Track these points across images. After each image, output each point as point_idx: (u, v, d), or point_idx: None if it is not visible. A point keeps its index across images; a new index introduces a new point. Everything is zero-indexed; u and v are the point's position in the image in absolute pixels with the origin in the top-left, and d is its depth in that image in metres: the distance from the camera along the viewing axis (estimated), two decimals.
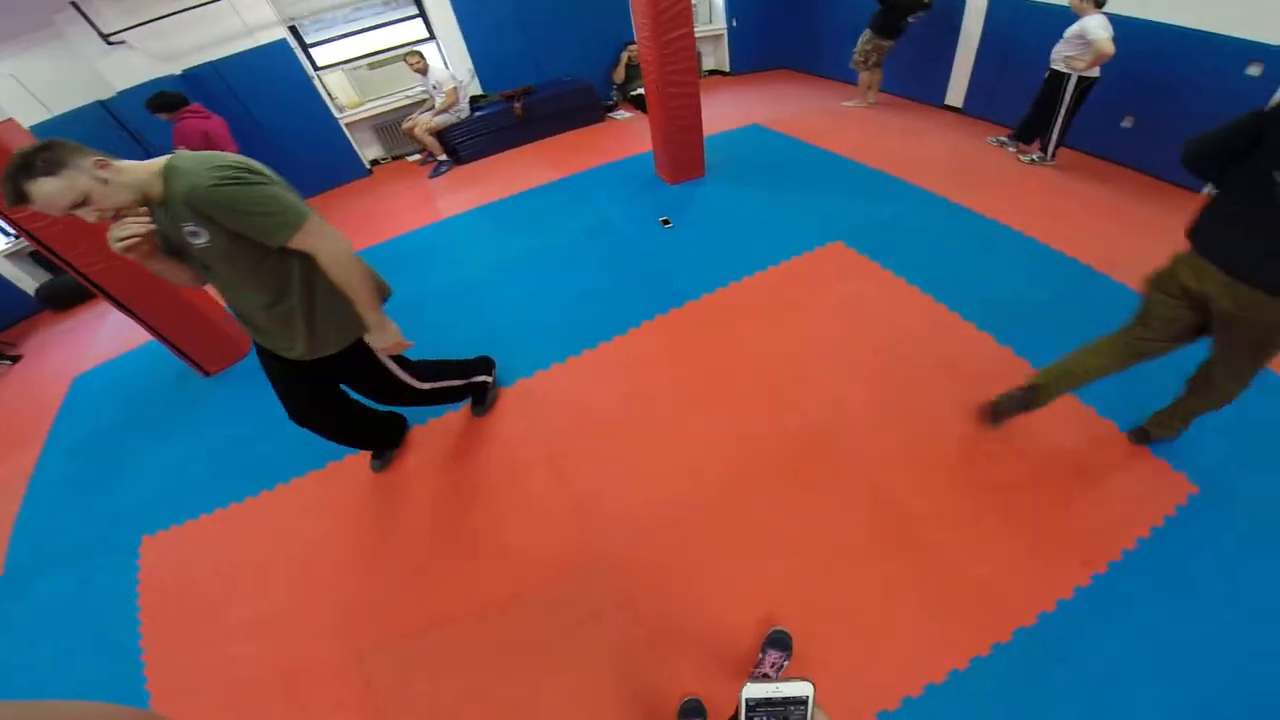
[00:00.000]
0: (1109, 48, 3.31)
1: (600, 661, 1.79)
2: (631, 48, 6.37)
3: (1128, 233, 3.20)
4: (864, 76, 5.40)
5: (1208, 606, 1.66)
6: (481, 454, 2.54)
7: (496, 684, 1.80)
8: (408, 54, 5.41)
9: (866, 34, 5.04)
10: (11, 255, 5.39)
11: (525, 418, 2.65)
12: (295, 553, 2.36)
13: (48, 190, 1.21)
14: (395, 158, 6.60)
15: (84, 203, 1.26)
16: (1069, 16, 3.55)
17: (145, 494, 2.85)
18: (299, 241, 1.51)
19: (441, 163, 5.90)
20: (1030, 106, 4.01)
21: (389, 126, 6.30)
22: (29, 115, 4.53)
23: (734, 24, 6.83)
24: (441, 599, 2.07)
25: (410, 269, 4.16)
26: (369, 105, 6.12)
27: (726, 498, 2.16)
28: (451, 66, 6.04)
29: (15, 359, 4.78)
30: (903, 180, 4.03)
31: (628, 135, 5.87)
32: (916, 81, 5.44)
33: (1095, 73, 3.57)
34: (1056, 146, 3.97)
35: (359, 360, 1.96)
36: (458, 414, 2.73)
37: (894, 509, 2.02)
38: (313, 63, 5.72)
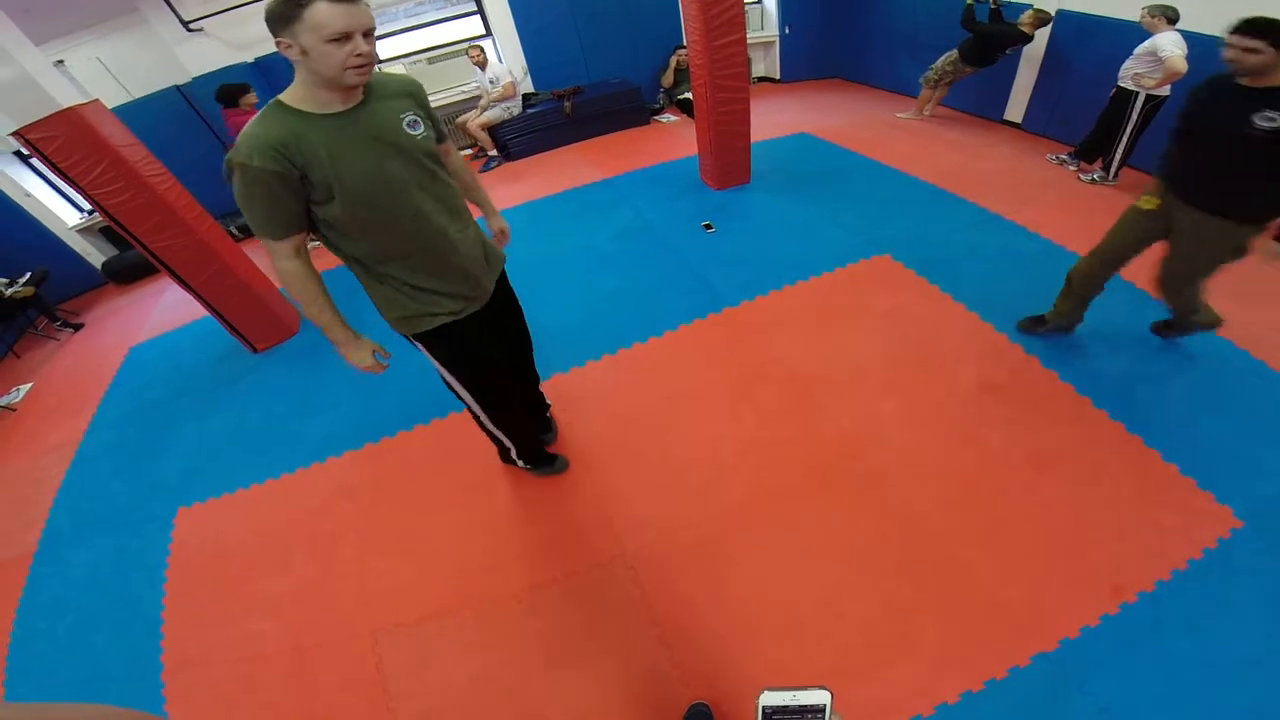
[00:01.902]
0: (1182, 66, 3.21)
1: (612, 659, 1.81)
2: (681, 52, 6.43)
3: None
4: (927, 92, 5.32)
5: (1239, 646, 1.59)
6: None
7: (507, 673, 1.84)
8: (470, 47, 5.60)
9: (952, 56, 4.88)
10: (83, 230, 5.76)
11: (558, 412, 2.68)
12: (322, 532, 2.44)
13: (365, 9, 1.24)
14: None
15: (369, 33, 1.26)
16: (1139, 33, 3.46)
17: (186, 465, 2.99)
18: (448, 145, 1.68)
19: (491, 158, 6.08)
20: (1094, 124, 3.91)
21: (443, 120, 6.51)
22: (109, 97, 4.85)
23: (787, 31, 6.81)
24: (461, 585, 2.11)
25: None
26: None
27: (753, 503, 2.16)
28: (506, 62, 6.23)
29: (78, 327, 5.11)
30: (955, 195, 3.97)
31: (673, 139, 5.92)
32: (975, 95, 5.32)
33: (1165, 91, 3.46)
34: (1120, 166, 3.85)
35: (512, 300, 2.04)
36: None
37: (923, 525, 1.99)
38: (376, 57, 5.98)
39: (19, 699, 2.14)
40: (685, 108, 6.36)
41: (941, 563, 1.89)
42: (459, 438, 2.65)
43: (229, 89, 4.34)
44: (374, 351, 1.67)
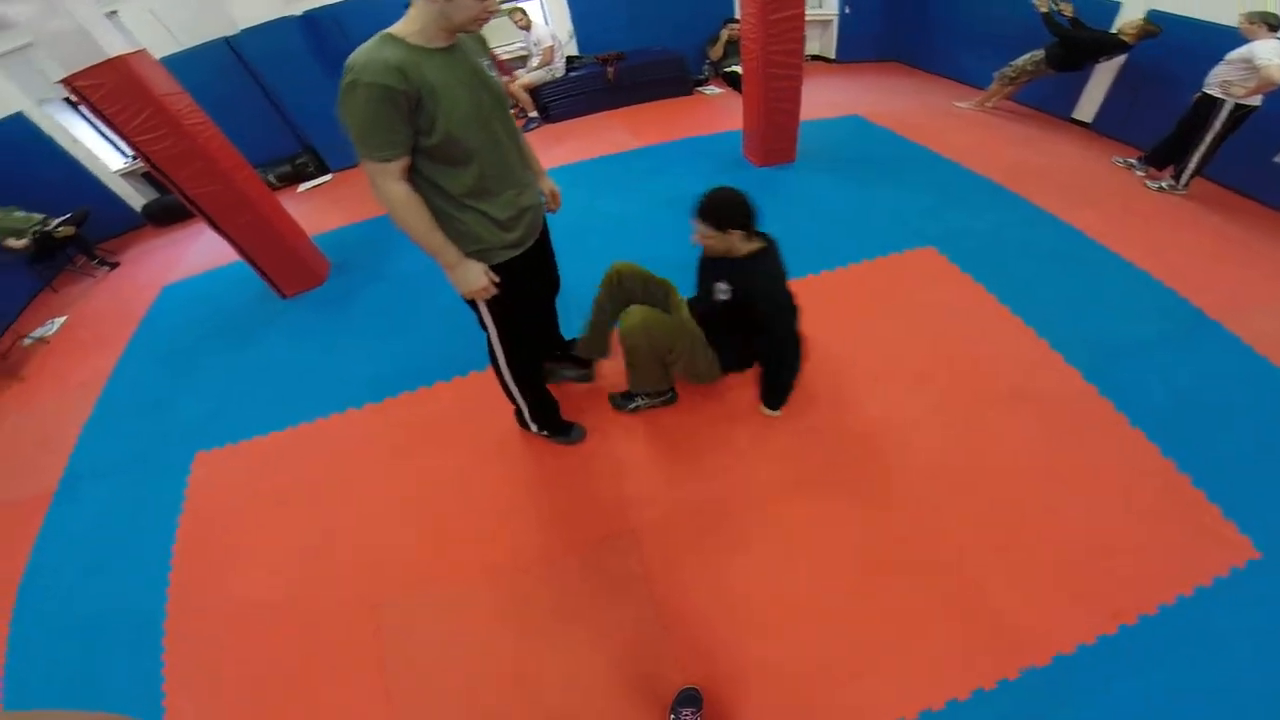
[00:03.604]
0: (1279, 76, 3.09)
1: (610, 637, 1.87)
2: (733, 25, 6.34)
3: (1254, 279, 2.97)
4: (997, 86, 5.14)
5: (1236, 681, 1.59)
6: None
7: (502, 643, 1.90)
8: (512, 10, 5.64)
9: (1037, 56, 4.70)
10: (126, 174, 6.04)
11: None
12: (334, 485, 2.53)
13: None
14: None
15: None
16: (1234, 39, 3.32)
17: (208, 408, 3.11)
18: None
19: (531, 119, 6.13)
20: (1171, 129, 3.77)
21: None
22: (160, 47, 5.00)
23: (847, 10, 6.65)
24: (465, 551, 2.18)
25: None
26: None
27: (766, 488, 2.20)
28: (552, 25, 6.24)
29: (114, 265, 5.37)
30: (1010, 191, 3.87)
31: (716, 111, 5.87)
32: (1042, 91, 5.13)
33: (1256, 101, 3.32)
34: (1192, 176, 3.71)
35: (548, 245, 2.14)
36: None
37: (935, 527, 2.01)
38: None
39: (24, 639, 2.24)
40: (731, 81, 6.30)
41: (947, 566, 1.91)
42: (478, 398, 2.73)
43: None
44: (485, 270, 1.72)
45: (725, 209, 1.95)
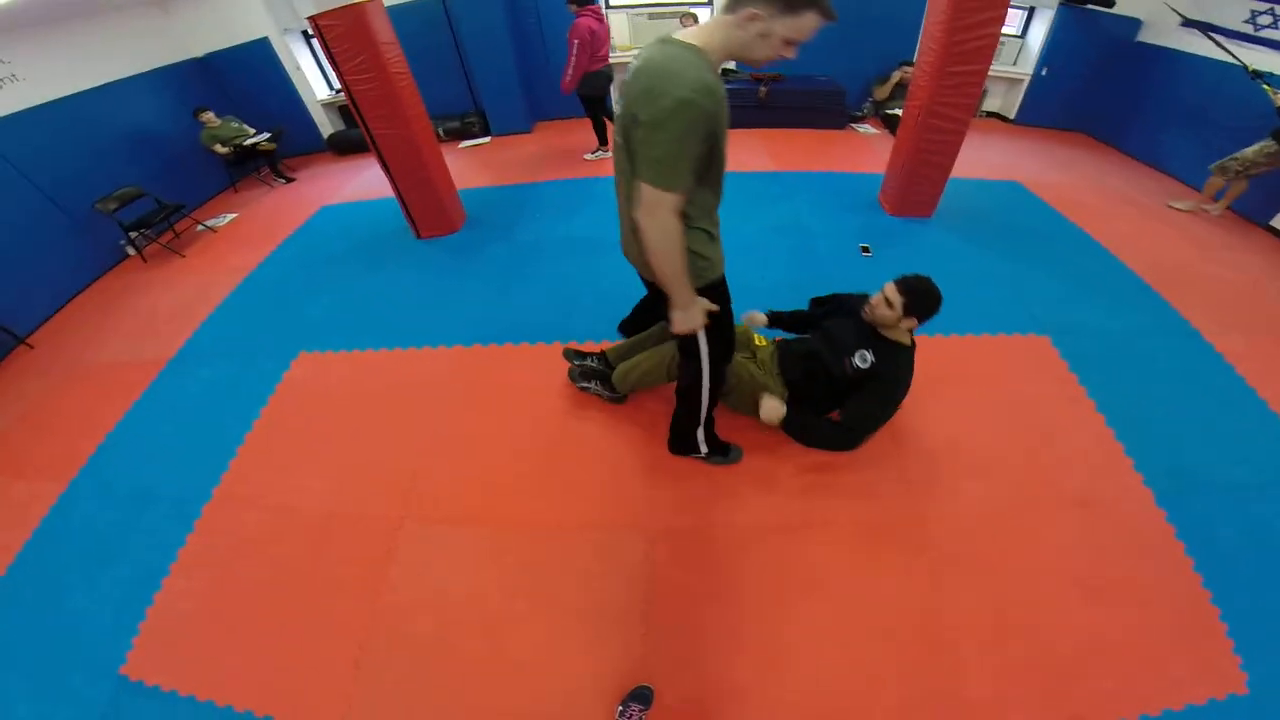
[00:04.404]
0: None
1: (594, 618, 2.03)
2: (906, 69, 6.33)
3: None
4: (1217, 180, 4.62)
5: None
6: (614, 407, 2.87)
7: (501, 597, 2.10)
8: (682, 15, 6.07)
9: (1269, 147, 4.24)
10: (326, 105, 7.07)
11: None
12: (404, 408, 2.90)
13: None
14: None
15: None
16: None
17: (324, 315, 3.66)
18: None
19: None
20: None
21: None
22: None
23: (1043, 73, 6.41)
24: (494, 502, 2.43)
25: (599, 211, 4.74)
26: (636, 51, 6.87)
27: (791, 527, 2.30)
28: None
29: (290, 180, 6.35)
30: (1159, 295, 3.63)
31: (864, 150, 5.91)
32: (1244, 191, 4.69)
33: None
34: None
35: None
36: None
37: (941, 605, 2.05)
38: (606, 1, 6.62)
39: (83, 489, 2.64)
40: (889, 123, 6.30)
41: (934, 643, 1.96)
42: (557, 364, 3.02)
43: None
44: (704, 305, 1.76)
45: (926, 299, 2.16)
